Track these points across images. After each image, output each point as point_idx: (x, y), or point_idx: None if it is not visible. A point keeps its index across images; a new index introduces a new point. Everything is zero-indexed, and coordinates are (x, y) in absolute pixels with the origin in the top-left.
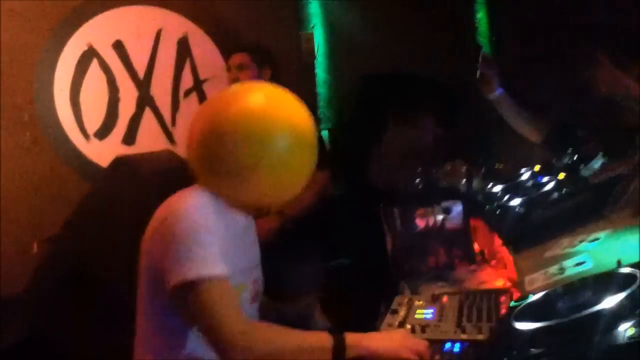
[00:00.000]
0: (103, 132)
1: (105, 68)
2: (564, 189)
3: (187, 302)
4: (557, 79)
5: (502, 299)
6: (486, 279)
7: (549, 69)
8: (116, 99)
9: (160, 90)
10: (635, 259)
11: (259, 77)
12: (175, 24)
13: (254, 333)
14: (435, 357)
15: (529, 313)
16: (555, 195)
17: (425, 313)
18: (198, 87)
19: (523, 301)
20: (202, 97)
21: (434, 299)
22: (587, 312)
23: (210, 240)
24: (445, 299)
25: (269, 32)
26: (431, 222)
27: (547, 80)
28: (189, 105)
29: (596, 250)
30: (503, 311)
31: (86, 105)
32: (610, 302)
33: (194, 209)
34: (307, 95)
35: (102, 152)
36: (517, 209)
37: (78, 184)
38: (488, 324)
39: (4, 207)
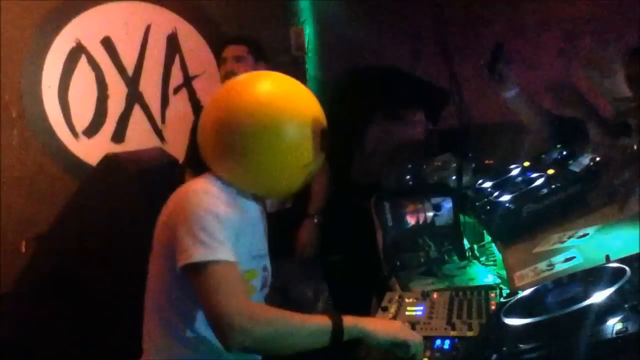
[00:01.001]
0: (92, 130)
1: (94, 65)
2: (553, 184)
3: (193, 284)
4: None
5: (492, 295)
6: (476, 275)
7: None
8: (105, 96)
9: (150, 87)
10: (623, 254)
11: (254, 70)
12: (165, 20)
13: (253, 315)
14: (426, 353)
15: (518, 309)
16: (545, 190)
17: (416, 310)
18: (188, 83)
19: (513, 297)
20: (191, 94)
21: (424, 296)
22: (576, 307)
23: (219, 225)
24: (435, 295)
25: (259, 27)
26: (421, 218)
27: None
28: (179, 102)
29: (585, 246)
30: (493, 307)
31: (75, 102)
32: (599, 297)
33: (205, 194)
34: None
35: (91, 150)
36: (506, 205)
37: (67, 183)
38: (478, 320)
39: None
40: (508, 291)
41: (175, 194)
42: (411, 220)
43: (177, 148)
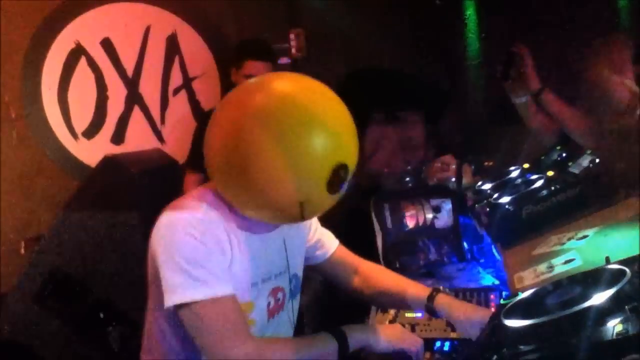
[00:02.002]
0: (91, 131)
1: (94, 66)
2: (553, 186)
3: (182, 322)
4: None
5: (492, 296)
6: (475, 277)
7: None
8: (104, 97)
9: (149, 88)
10: (623, 255)
11: None
12: (164, 21)
13: (255, 350)
14: (426, 355)
15: (518, 310)
16: (544, 192)
17: (415, 311)
18: (187, 84)
19: (512, 299)
20: (191, 95)
21: None
22: (576, 309)
23: (201, 257)
24: None
25: (259, 28)
26: (421, 219)
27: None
28: (178, 104)
29: (585, 247)
30: (493, 309)
31: (74, 103)
32: (599, 298)
33: (184, 222)
34: None
35: (90, 152)
36: (506, 207)
37: (66, 184)
38: None
39: None
40: (508, 293)
41: (162, 214)
42: (411, 222)
43: (176, 149)
